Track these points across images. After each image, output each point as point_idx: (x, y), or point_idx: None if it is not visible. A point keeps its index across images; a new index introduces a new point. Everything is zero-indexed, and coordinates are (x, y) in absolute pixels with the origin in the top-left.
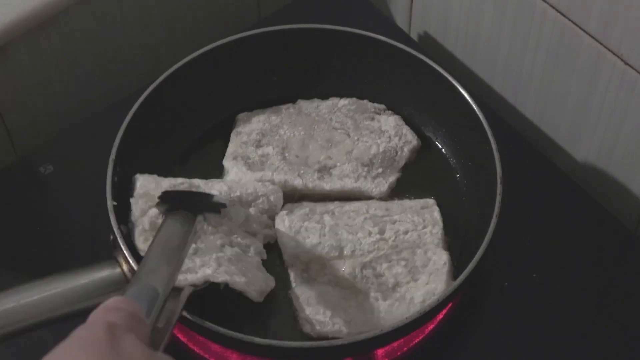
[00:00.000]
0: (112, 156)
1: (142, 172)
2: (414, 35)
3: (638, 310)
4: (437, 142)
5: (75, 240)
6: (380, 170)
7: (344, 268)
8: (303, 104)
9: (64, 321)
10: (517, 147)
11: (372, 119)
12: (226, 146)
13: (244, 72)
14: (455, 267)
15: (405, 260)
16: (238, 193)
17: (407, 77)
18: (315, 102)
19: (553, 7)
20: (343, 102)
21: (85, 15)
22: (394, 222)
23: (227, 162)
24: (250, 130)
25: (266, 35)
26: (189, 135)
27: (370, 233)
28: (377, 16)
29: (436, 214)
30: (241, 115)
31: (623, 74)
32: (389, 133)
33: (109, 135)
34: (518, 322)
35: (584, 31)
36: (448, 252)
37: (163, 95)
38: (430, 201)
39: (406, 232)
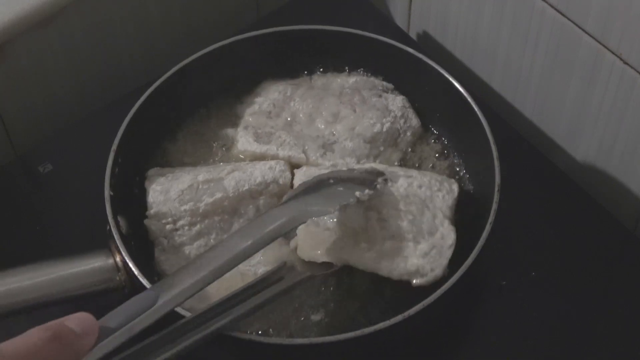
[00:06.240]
0: (114, 146)
1: (144, 160)
2: (413, 35)
3: (637, 310)
4: (440, 138)
5: (74, 239)
6: (381, 149)
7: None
8: (317, 77)
9: (54, 307)
10: (516, 146)
11: (380, 96)
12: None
13: (248, 69)
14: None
15: (413, 215)
16: (247, 187)
17: (408, 77)
18: (329, 77)
19: (552, 6)
20: (353, 78)
21: (85, 14)
22: (409, 177)
23: (239, 130)
24: (264, 100)
25: (266, 35)
26: (193, 128)
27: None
28: (376, 15)
29: (455, 186)
30: (265, 84)
31: (622, 73)
32: (394, 113)
33: (108, 134)
34: (516, 321)
35: (583, 30)
36: (455, 232)
37: (168, 91)
38: (454, 181)
39: (420, 187)
